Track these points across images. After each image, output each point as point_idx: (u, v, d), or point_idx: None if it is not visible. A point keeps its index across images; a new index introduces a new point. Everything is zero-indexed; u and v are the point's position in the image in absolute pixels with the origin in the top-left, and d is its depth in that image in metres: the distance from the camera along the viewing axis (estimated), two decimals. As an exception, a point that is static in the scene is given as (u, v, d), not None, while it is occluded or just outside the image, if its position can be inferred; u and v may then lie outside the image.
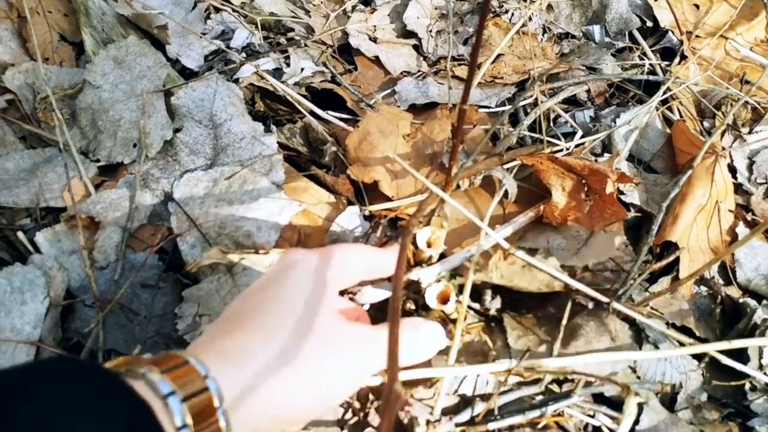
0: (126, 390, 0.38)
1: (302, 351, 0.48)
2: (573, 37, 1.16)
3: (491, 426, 0.66)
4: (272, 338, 0.49)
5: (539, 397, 0.71)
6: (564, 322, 0.72)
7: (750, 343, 0.76)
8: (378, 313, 0.76)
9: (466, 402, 0.70)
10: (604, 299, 0.73)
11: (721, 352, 0.72)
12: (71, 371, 0.38)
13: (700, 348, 0.72)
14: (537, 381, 0.72)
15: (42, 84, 0.96)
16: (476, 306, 0.77)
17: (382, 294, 0.73)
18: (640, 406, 0.73)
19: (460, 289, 0.78)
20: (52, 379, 0.36)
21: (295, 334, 0.49)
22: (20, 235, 0.83)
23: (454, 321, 0.75)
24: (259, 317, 0.51)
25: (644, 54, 1.12)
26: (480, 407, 0.68)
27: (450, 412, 0.69)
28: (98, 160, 0.89)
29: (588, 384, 0.71)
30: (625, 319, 0.78)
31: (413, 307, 0.76)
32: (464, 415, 0.68)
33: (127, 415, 0.37)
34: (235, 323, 0.51)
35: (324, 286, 0.55)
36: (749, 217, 0.93)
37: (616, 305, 0.73)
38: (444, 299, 0.71)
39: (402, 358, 0.55)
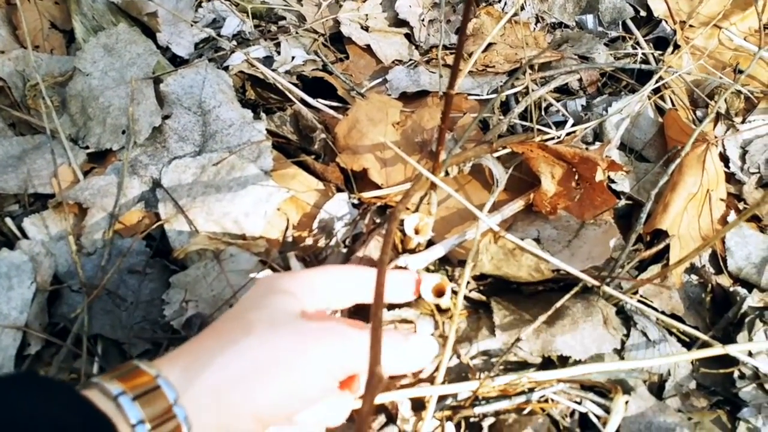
0: (78, 395, 0.40)
1: (264, 347, 0.47)
2: (566, 26, 1.15)
3: (477, 410, 0.66)
4: (229, 341, 0.47)
5: (527, 384, 0.70)
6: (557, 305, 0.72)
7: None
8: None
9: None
10: (595, 282, 0.72)
11: (712, 338, 0.71)
12: (26, 379, 0.40)
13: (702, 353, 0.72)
14: (525, 366, 0.72)
15: (32, 71, 0.95)
16: (466, 292, 0.77)
17: None
18: (627, 393, 0.73)
19: (450, 276, 0.78)
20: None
21: (255, 337, 0.48)
22: (8, 221, 0.83)
23: (444, 311, 0.74)
24: (219, 329, 0.50)
25: (637, 43, 1.12)
26: (466, 393, 0.68)
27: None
28: (87, 147, 0.89)
29: (576, 363, 0.70)
30: (615, 306, 0.77)
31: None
32: (451, 401, 0.67)
33: (82, 415, 0.38)
34: (193, 341, 0.50)
35: (293, 305, 0.53)
36: (741, 206, 0.93)
37: (606, 289, 0.72)
38: (439, 293, 0.71)
39: (387, 364, 0.54)
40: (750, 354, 0.76)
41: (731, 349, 0.67)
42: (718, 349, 0.67)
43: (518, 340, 0.69)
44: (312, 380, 0.48)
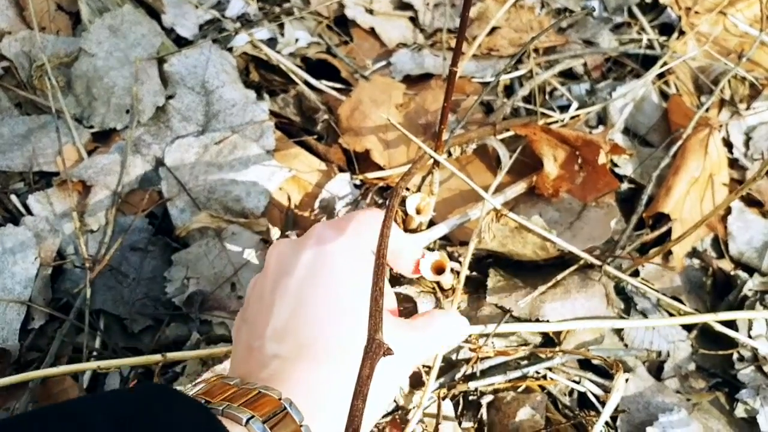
0: (214, 417, 0.38)
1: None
2: (571, 11, 1.15)
3: (472, 385, 0.66)
4: (344, 365, 0.46)
5: (524, 362, 0.71)
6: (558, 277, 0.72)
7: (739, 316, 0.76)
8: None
9: (451, 365, 0.70)
10: (596, 261, 0.72)
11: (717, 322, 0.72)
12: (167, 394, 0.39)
13: (689, 319, 0.72)
14: (523, 345, 0.72)
15: (38, 52, 0.96)
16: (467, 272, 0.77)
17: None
18: (626, 373, 0.73)
19: (450, 255, 0.78)
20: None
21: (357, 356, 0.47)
22: (13, 198, 0.83)
23: (443, 290, 0.75)
24: (321, 337, 0.47)
25: (642, 29, 1.11)
26: (464, 369, 0.68)
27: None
28: (92, 127, 0.89)
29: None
30: (615, 287, 0.78)
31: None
32: (448, 377, 0.68)
33: None
34: (299, 346, 0.47)
35: (367, 275, 0.49)
36: (744, 192, 0.92)
37: (608, 268, 0.73)
38: (439, 270, 0.71)
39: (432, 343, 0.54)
40: (749, 336, 0.77)
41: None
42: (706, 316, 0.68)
43: (509, 311, 0.70)
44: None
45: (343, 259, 0.50)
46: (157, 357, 0.63)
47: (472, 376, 0.68)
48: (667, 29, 1.13)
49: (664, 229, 0.84)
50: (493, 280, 0.74)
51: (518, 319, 0.71)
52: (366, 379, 0.40)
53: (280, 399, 0.41)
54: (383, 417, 0.66)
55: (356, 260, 0.50)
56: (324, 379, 0.45)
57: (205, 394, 0.42)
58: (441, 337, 0.55)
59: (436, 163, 0.75)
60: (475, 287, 0.77)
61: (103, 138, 0.90)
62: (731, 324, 0.76)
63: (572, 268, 0.73)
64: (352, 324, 0.47)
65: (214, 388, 0.43)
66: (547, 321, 0.69)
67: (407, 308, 0.73)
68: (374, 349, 0.42)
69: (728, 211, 0.89)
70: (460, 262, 0.71)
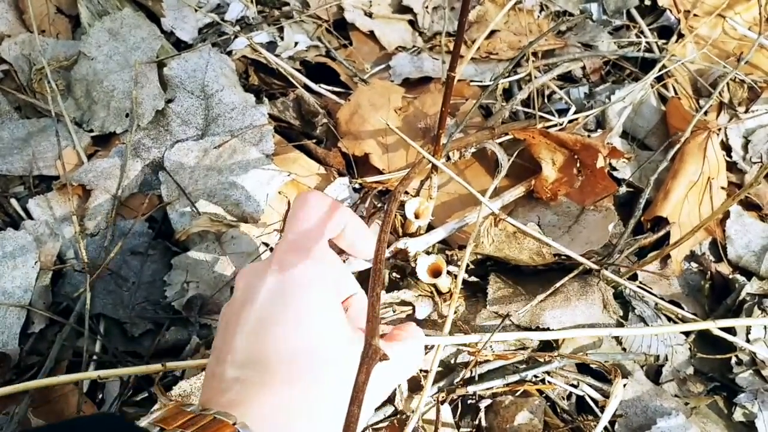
0: None
1: (332, 393, 0.47)
2: (570, 14, 1.15)
3: (471, 389, 0.66)
4: (305, 386, 0.46)
5: (522, 366, 0.71)
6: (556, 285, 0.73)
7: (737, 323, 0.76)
8: (363, 283, 0.76)
9: (450, 369, 0.71)
10: (594, 266, 0.73)
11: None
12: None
13: (688, 326, 0.73)
14: (521, 348, 0.72)
15: (38, 55, 0.96)
16: (465, 276, 0.78)
17: (368, 263, 0.74)
18: (625, 377, 0.73)
19: (449, 259, 0.78)
20: None
21: (323, 377, 0.47)
22: (13, 202, 0.84)
23: (441, 294, 0.75)
24: (280, 360, 0.47)
25: (641, 32, 1.11)
26: (462, 373, 0.68)
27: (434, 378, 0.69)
28: (91, 130, 0.90)
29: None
30: (613, 292, 0.78)
31: (399, 276, 0.76)
32: (446, 381, 0.68)
33: None
34: (259, 371, 0.46)
35: (331, 299, 0.51)
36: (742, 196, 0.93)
37: (606, 273, 0.73)
38: (435, 273, 0.71)
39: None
40: (748, 340, 0.77)
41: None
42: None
43: (507, 316, 0.70)
44: None
45: (305, 283, 0.50)
46: (157, 366, 0.63)
47: (470, 380, 0.68)
48: (666, 32, 1.13)
49: (662, 232, 0.84)
50: (494, 287, 0.74)
51: (518, 326, 0.71)
52: (362, 385, 0.41)
53: (234, 424, 0.41)
54: (381, 421, 0.66)
55: (318, 282, 0.50)
56: (284, 401, 0.45)
57: (160, 421, 0.42)
58: (405, 369, 0.55)
59: (435, 167, 0.75)
60: (474, 291, 0.77)
61: (102, 142, 0.90)
62: (730, 328, 0.76)
63: (572, 275, 0.73)
64: (312, 346, 0.47)
65: (170, 416, 0.42)
66: (548, 329, 0.70)
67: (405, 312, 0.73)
68: (371, 355, 0.42)
69: (726, 214, 0.89)
70: (458, 266, 0.72)
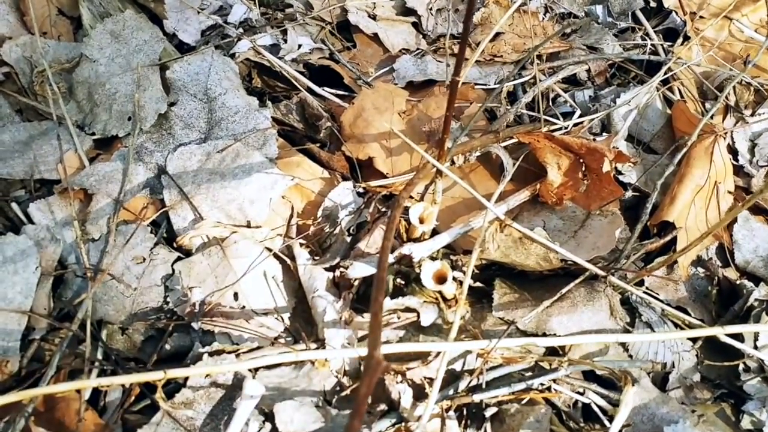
0: None
1: None
2: (575, 16, 1.14)
3: (476, 397, 0.66)
4: None
5: (528, 374, 0.70)
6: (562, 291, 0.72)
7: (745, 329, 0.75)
8: (368, 288, 0.75)
9: (455, 377, 0.70)
10: (601, 272, 0.72)
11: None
12: None
13: (696, 333, 0.72)
14: (528, 352, 0.71)
15: (39, 57, 0.95)
16: (471, 282, 0.77)
17: (371, 269, 0.73)
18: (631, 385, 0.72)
19: (453, 265, 0.78)
20: None
21: None
22: (14, 206, 0.83)
23: (446, 300, 0.74)
24: None
25: (647, 34, 1.11)
26: (467, 381, 0.68)
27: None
28: (93, 134, 0.89)
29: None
30: (620, 299, 0.77)
31: (403, 282, 0.76)
32: (451, 389, 0.67)
33: None
34: None
35: None
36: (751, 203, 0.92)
37: (612, 279, 0.72)
38: (440, 279, 0.71)
39: None
40: (756, 347, 0.76)
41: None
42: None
43: (513, 323, 0.69)
44: None
45: None
46: (159, 374, 0.62)
47: (475, 388, 0.67)
48: (671, 34, 1.13)
49: (669, 237, 0.83)
50: (499, 293, 0.74)
51: (525, 333, 0.70)
52: (364, 398, 0.40)
53: None
54: (386, 429, 0.65)
55: None
56: None
57: None
58: None
59: (439, 171, 0.74)
60: (479, 297, 0.76)
61: (104, 145, 0.89)
62: (737, 335, 0.75)
63: (578, 280, 0.72)
64: None
65: None
66: (554, 335, 0.69)
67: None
68: (373, 366, 0.41)
69: (734, 219, 0.88)
70: (463, 272, 0.71)
